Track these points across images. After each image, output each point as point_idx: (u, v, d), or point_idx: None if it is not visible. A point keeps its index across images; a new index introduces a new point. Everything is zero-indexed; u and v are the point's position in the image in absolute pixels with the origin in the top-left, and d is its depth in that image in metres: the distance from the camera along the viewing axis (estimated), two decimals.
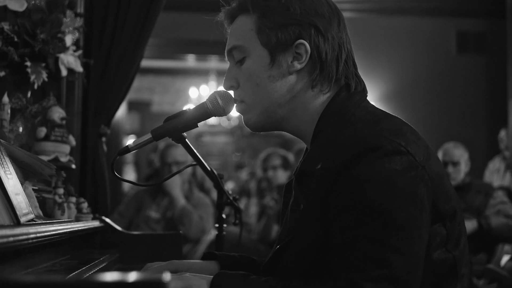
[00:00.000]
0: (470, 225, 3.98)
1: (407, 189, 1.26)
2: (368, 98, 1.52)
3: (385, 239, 1.23)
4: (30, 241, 1.29)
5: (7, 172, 1.43)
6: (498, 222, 4.07)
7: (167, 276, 0.82)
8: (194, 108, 1.69)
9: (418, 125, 1.82)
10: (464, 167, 4.46)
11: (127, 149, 1.70)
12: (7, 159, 1.51)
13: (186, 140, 1.79)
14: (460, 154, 4.48)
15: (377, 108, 1.47)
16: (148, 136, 1.68)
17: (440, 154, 4.50)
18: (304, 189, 1.39)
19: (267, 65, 1.47)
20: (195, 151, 1.89)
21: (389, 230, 1.23)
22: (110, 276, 0.81)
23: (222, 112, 1.63)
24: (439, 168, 1.38)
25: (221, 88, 1.63)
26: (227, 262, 1.68)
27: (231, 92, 1.58)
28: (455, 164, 4.43)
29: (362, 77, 1.53)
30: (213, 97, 1.63)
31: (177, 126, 1.68)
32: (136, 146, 1.70)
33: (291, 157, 5.36)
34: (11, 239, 1.15)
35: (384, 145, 1.27)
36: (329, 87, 1.47)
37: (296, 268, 1.37)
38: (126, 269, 2.10)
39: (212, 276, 1.36)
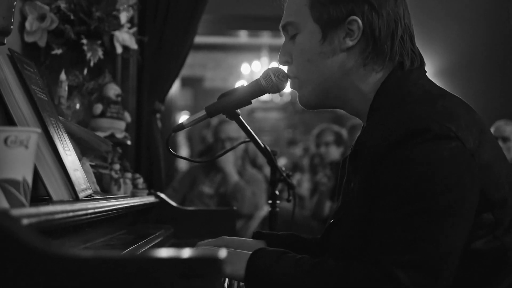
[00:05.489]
0: None
1: (452, 176, 1.22)
2: None
3: (421, 225, 1.20)
4: (89, 216, 1.31)
5: (65, 149, 1.46)
6: None
7: (223, 253, 0.82)
8: (247, 85, 1.69)
9: (474, 101, 1.77)
10: None
11: (182, 126, 1.72)
12: (66, 136, 1.54)
13: (240, 116, 1.79)
14: (511, 130, 4.45)
15: (436, 86, 1.42)
16: (203, 113, 1.70)
17: (492, 131, 4.44)
18: (355, 168, 1.37)
19: (318, 41, 1.45)
20: (248, 127, 1.90)
21: (427, 216, 1.20)
22: (166, 252, 0.81)
23: (275, 89, 1.63)
24: (493, 154, 1.33)
25: (274, 64, 1.62)
26: (274, 241, 1.70)
27: (285, 68, 1.57)
28: (505, 139, 4.40)
29: None
30: (267, 74, 1.63)
31: (231, 103, 1.69)
32: (190, 123, 1.72)
33: (344, 133, 5.29)
34: (71, 214, 1.17)
35: (433, 129, 1.23)
36: (383, 64, 1.43)
37: (344, 246, 1.36)
38: (180, 244, 2.13)
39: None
